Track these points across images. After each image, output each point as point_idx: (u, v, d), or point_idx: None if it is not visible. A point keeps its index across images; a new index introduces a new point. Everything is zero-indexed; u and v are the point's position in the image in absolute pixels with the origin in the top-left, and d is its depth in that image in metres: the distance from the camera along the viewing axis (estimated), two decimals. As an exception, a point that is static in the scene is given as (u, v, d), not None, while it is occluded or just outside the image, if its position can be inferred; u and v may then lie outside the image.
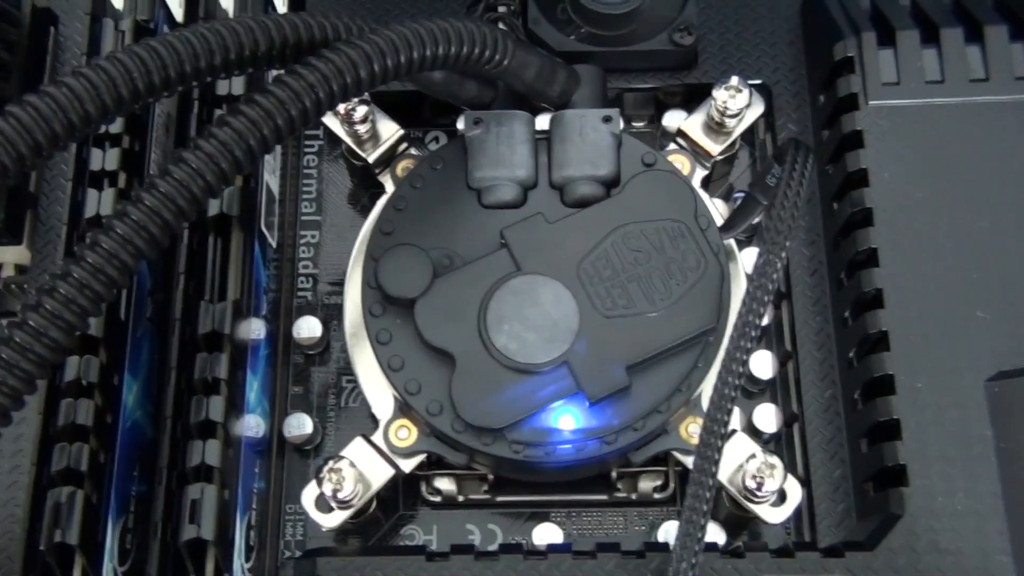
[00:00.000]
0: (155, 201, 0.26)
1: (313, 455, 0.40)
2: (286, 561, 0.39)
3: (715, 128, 0.39)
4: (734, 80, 0.38)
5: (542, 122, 0.38)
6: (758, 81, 0.41)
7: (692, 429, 0.35)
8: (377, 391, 0.37)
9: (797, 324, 0.38)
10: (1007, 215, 0.36)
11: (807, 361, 0.38)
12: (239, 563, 0.35)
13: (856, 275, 0.36)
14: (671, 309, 0.34)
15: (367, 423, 0.39)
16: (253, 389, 0.37)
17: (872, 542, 0.33)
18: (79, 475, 0.32)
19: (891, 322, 0.35)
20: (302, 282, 0.43)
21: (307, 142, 0.45)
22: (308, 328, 0.41)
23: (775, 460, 0.34)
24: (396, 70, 0.29)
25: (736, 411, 0.37)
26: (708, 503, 0.30)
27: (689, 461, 0.35)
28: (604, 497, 0.39)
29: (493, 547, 0.38)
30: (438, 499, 0.39)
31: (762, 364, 0.39)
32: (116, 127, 0.37)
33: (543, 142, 0.37)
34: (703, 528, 0.30)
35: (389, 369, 0.35)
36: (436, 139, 0.45)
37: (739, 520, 0.37)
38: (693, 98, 0.41)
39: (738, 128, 0.39)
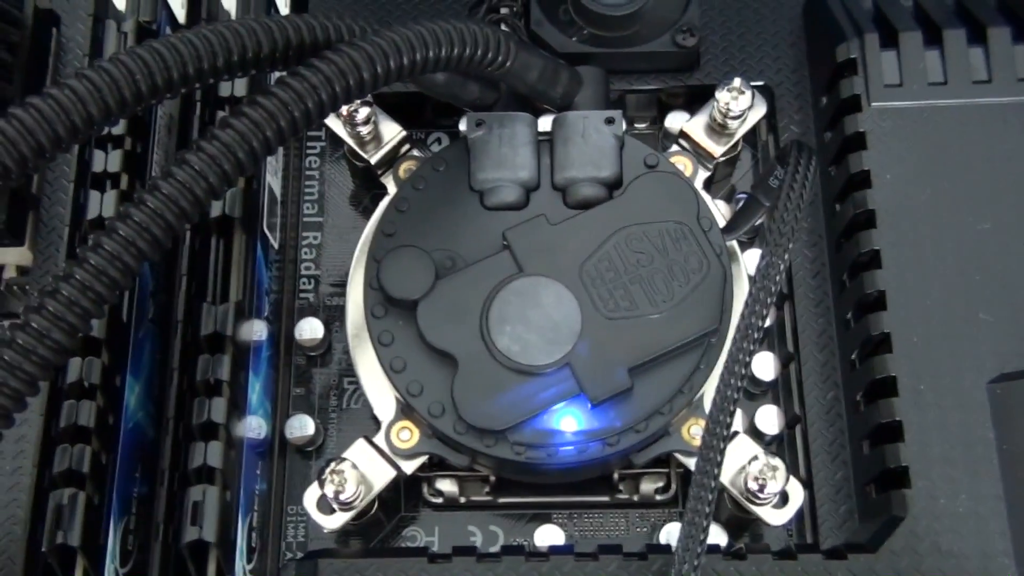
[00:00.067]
0: (158, 203, 0.26)
1: (315, 456, 0.40)
2: (288, 563, 0.39)
3: (717, 129, 0.39)
4: (736, 81, 0.38)
5: (544, 124, 0.38)
6: (760, 83, 0.41)
7: (694, 431, 0.35)
8: (379, 392, 0.37)
9: (799, 326, 0.38)
10: (1010, 217, 0.36)
11: (809, 363, 0.38)
12: (241, 564, 0.35)
13: (858, 277, 0.36)
14: (673, 311, 0.34)
15: (369, 424, 0.39)
16: (255, 390, 0.37)
17: (874, 544, 0.33)
18: (81, 476, 0.32)
19: (893, 324, 0.35)
20: (304, 283, 0.43)
21: (309, 143, 0.45)
22: (310, 329, 0.41)
23: (777, 462, 0.34)
24: (399, 72, 0.29)
25: (738, 413, 0.37)
26: (710, 505, 0.30)
27: (691, 463, 0.35)
28: (606, 499, 0.39)
29: (495, 548, 0.38)
30: (440, 501, 0.39)
31: (764, 366, 0.39)
32: (119, 129, 0.37)
33: (545, 144, 0.37)
34: (705, 530, 0.30)
35: (391, 370, 0.35)
36: (438, 140, 0.45)
37: (741, 522, 0.37)
38: (695, 99, 0.41)
39: (740, 130, 0.39)
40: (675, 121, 0.42)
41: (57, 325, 0.25)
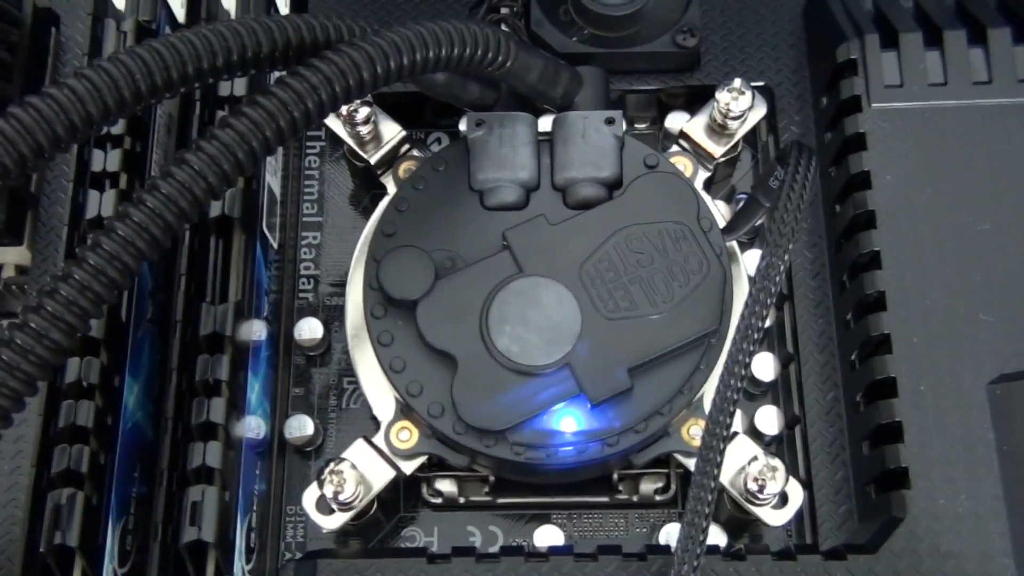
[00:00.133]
0: (157, 203, 0.26)
1: (314, 457, 0.40)
2: (287, 563, 0.38)
3: (717, 130, 0.39)
4: (737, 82, 0.38)
5: (544, 124, 0.38)
6: (761, 83, 0.41)
7: (694, 431, 0.35)
8: (378, 393, 0.37)
9: (799, 326, 0.38)
10: (1010, 218, 0.36)
11: (809, 363, 0.38)
12: (240, 565, 0.35)
13: (858, 277, 0.36)
14: (673, 311, 0.34)
15: (368, 425, 0.39)
16: (254, 390, 0.37)
17: (874, 545, 0.33)
18: (79, 476, 0.32)
19: (893, 325, 0.35)
20: (303, 283, 0.43)
21: (309, 143, 0.45)
22: (309, 329, 0.41)
23: (777, 462, 0.34)
24: (399, 72, 0.29)
25: (738, 413, 0.37)
26: (710, 505, 0.30)
27: (691, 463, 0.35)
28: (605, 499, 0.39)
29: (494, 549, 0.38)
30: (439, 501, 0.39)
31: (764, 366, 0.39)
32: (118, 128, 0.37)
33: (545, 144, 0.37)
34: (705, 530, 0.30)
35: (390, 371, 0.34)
36: (438, 140, 0.45)
37: (741, 522, 0.37)
38: (696, 100, 0.41)
39: (741, 130, 0.39)
40: (675, 121, 0.42)
41: (55, 325, 0.25)
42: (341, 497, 0.34)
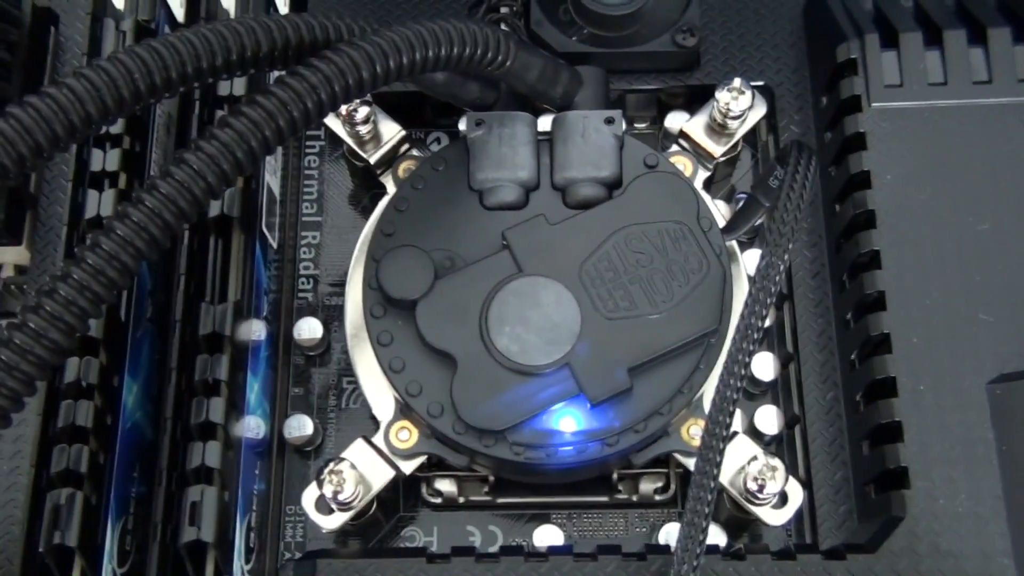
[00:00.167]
0: (156, 202, 0.26)
1: (313, 456, 0.40)
2: (286, 563, 0.38)
3: (717, 130, 0.39)
4: (736, 82, 0.38)
5: (544, 123, 0.38)
6: (761, 83, 0.41)
7: (694, 431, 0.35)
8: (378, 392, 0.37)
9: (799, 326, 0.38)
10: (1010, 218, 0.36)
11: (809, 363, 0.38)
12: (239, 565, 0.35)
13: (858, 277, 0.36)
14: (673, 311, 0.34)
15: (368, 424, 0.39)
16: (253, 390, 0.37)
17: (873, 544, 0.33)
18: (78, 476, 0.32)
19: (893, 324, 0.35)
20: (303, 283, 0.43)
21: (308, 143, 0.45)
22: (309, 329, 0.41)
23: (776, 462, 0.34)
24: (398, 71, 0.29)
25: (738, 413, 0.37)
26: (709, 505, 0.30)
27: (690, 463, 0.35)
28: (605, 499, 0.39)
29: (494, 549, 0.38)
30: (439, 501, 0.39)
31: (764, 366, 0.39)
32: (117, 128, 0.37)
33: (545, 143, 0.37)
34: (704, 530, 0.30)
35: (390, 370, 0.34)
36: (438, 140, 0.45)
37: (740, 522, 0.37)
38: (695, 99, 0.41)
39: (740, 130, 0.39)
40: (675, 121, 0.42)
41: (54, 325, 0.25)
42: (340, 497, 0.34)
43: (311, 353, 0.41)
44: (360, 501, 0.35)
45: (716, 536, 0.37)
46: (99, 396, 0.33)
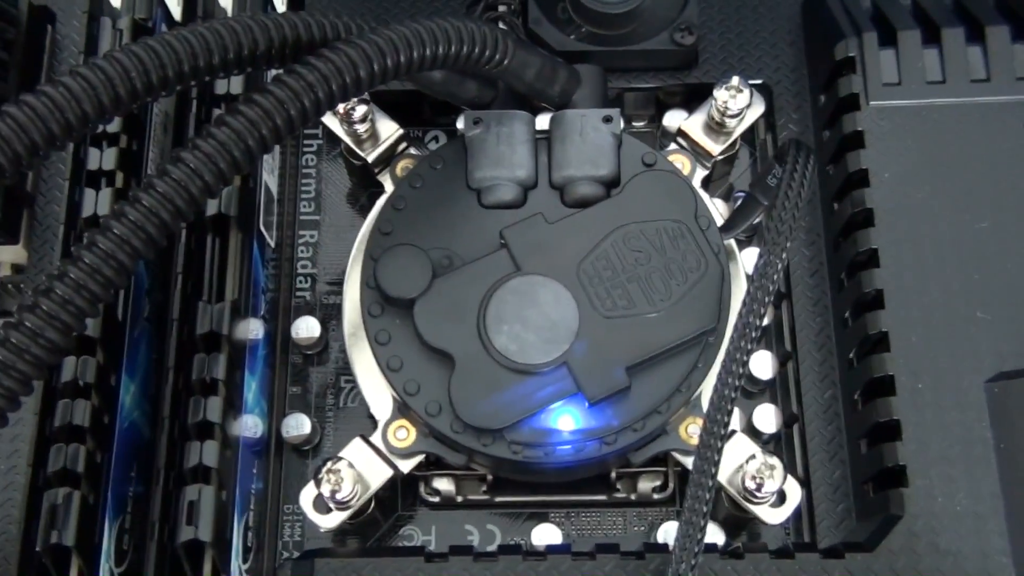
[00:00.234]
0: (153, 201, 0.26)
1: (311, 455, 0.40)
2: (284, 562, 0.38)
3: (716, 128, 0.39)
4: (735, 80, 0.38)
5: (542, 122, 0.38)
6: (759, 81, 0.41)
7: (692, 430, 0.35)
8: (376, 391, 0.36)
9: (797, 324, 0.38)
10: (1008, 216, 0.36)
11: (807, 361, 0.38)
12: (237, 564, 0.35)
13: (856, 276, 0.36)
14: (671, 310, 0.34)
15: (366, 423, 0.39)
16: (251, 389, 0.37)
17: (872, 543, 0.33)
18: (76, 476, 0.32)
19: (891, 323, 0.35)
20: (300, 282, 0.43)
21: (306, 141, 0.45)
22: (306, 328, 0.41)
23: (775, 461, 0.34)
24: (396, 70, 0.29)
25: (736, 411, 0.37)
26: (708, 504, 0.30)
27: (689, 462, 0.35)
28: (603, 498, 0.39)
29: (492, 548, 0.38)
30: (437, 500, 0.39)
31: (762, 364, 0.39)
32: (114, 126, 0.37)
33: (543, 142, 0.37)
34: (703, 529, 0.30)
35: (388, 369, 0.34)
36: (436, 139, 0.45)
37: (738, 521, 0.37)
38: (694, 98, 0.41)
39: (739, 128, 0.39)
40: (673, 119, 0.42)
41: (51, 324, 0.25)
42: (339, 496, 0.34)
43: (309, 352, 0.41)
44: (358, 500, 0.35)
45: (714, 535, 0.37)
46: (96, 395, 0.33)
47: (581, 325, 0.34)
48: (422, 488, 0.39)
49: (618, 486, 0.38)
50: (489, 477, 0.38)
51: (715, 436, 0.30)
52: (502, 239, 0.35)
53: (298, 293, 0.42)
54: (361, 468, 0.35)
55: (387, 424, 0.36)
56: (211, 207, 0.37)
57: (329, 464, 0.34)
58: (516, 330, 0.34)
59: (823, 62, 0.40)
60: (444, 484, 0.38)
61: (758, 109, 0.39)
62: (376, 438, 0.36)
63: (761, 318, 0.31)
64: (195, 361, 0.35)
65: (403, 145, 0.39)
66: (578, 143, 0.37)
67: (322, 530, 0.35)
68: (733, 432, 0.35)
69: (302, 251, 0.43)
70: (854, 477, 0.36)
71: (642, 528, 0.39)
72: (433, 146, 0.44)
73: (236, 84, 0.38)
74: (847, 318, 0.37)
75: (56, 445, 0.33)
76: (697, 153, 0.39)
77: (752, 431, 0.38)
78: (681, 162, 0.39)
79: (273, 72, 0.29)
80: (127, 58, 0.26)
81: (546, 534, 0.38)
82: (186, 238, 0.37)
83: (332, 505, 0.35)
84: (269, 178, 0.41)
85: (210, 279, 0.36)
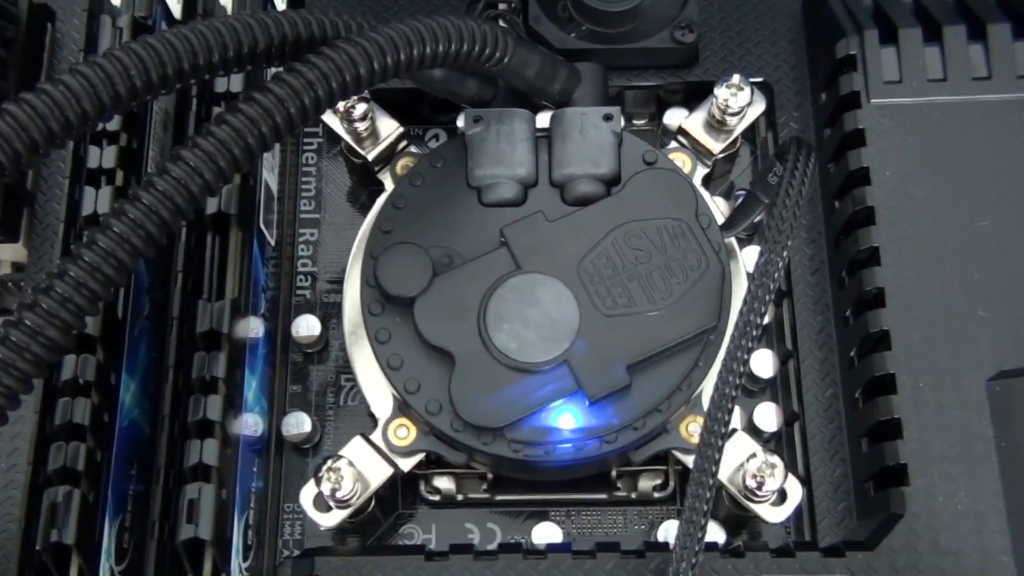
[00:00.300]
0: (153, 199, 0.26)
1: (311, 454, 0.40)
2: (284, 561, 0.38)
3: (716, 126, 0.39)
4: (735, 78, 0.38)
5: (543, 120, 0.38)
6: (760, 79, 0.41)
7: (692, 428, 0.35)
8: (376, 390, 0.36)
9: (798, 323, 0.38)
10: (1009, 214, 0.36)
11: (808, 360, 0.38)
12: (237, 563, 0.35)
13: (857, 274, 0.36)
14: (672, 308, 0.34)
15: (366, 422, 0.39)
16: (251, 388, 0.37)
17: (873, 542, 0.33)
18: (76, 474, 0.32)
19: (892, 321, 0.35)
20: (301, 280, 0.42)
21: (306, 140, 0.45)
22: (307, 326, 0.40)
23: (775, 459, 0.34)
24: (396, 68, 0.29)
25: (737, 410, 0.37)
26: (708, 502, 0.30)
27: (689, 460, 0.35)
28: (604, 496, 0.39)
29: (492, 546, 0.38)
30: (437, 498, 0.39)
31: (763, 363, 0.39)
32: (114, 125, 0.37)
33: (543, 140, 0.37)
34: (703, 527, 0.30)
35: (388, 368, 0.34)
36: (436, 137, 0.45)
37: (739, 519, 0.37)
38: (694, 96, 0.41)
39: (739, 126, 0.39)
40: (674, 117, 0.42)
41: (51, 322, 0.25)
42: (339, 494, 0.34)
43: (309, 350, 0.41)
44: (358, 499, 0.35)
45: (715, 533, 0.37)
46: (96, 394, 0.33)
47: (581, 323, 0.34)
48: (422, 486, 0.39)
49: (619, 485, 0.38)
50: (489, 476, 0.38)
51: (716, 435, 0.30)
52: (502, 237, 0.35)
53: (298, 291, 0.42)
54: (361, 466, 0.35)
55: (387, 422, 0.36)
56: (211, 205, 0.37)
57: (329, 462, 0.34)
58: (516, 328, 0.34)
59: (824, 60, 0.40)
60: (444, 483, 0.38)
61: (759, 107, 0.39)
62: (376, 436, 0.36)
63: (762, 316, 0.31)
64: (195, 359, 0.35)
65: (403, 143, 0.39)
66: (578, 141, 0.37)
67: (322, 528, 0.35)
68: (734, 431, 0.35)
69: (302, 249, 0.43)
70: (855, 476, 0.36)
71: (643, 527, 0.39)
72: (433, 144, 0.44)
73: (236, 82, 0.38)
74: (848, 316, 0.37)
75: (56, 443, 0.33)
76: (698, 151, 0.39)
77: (753, 430, 0.38)
78: (682, 160, 0.39)
79: (273, 70, 0.29)
80: (127, 56, 0.26)
81: (546, 533, 0.38)
82: (186, 236, 0.37)
83: (332, 503, 0.35)
84: (269, 176, 0.41)
85: (210, 277, 0.36)
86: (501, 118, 0.37)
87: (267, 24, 0.28)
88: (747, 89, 0.38)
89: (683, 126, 0.39)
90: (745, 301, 0.31)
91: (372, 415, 0.37)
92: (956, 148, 0.37)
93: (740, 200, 0.37)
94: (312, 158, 0.45)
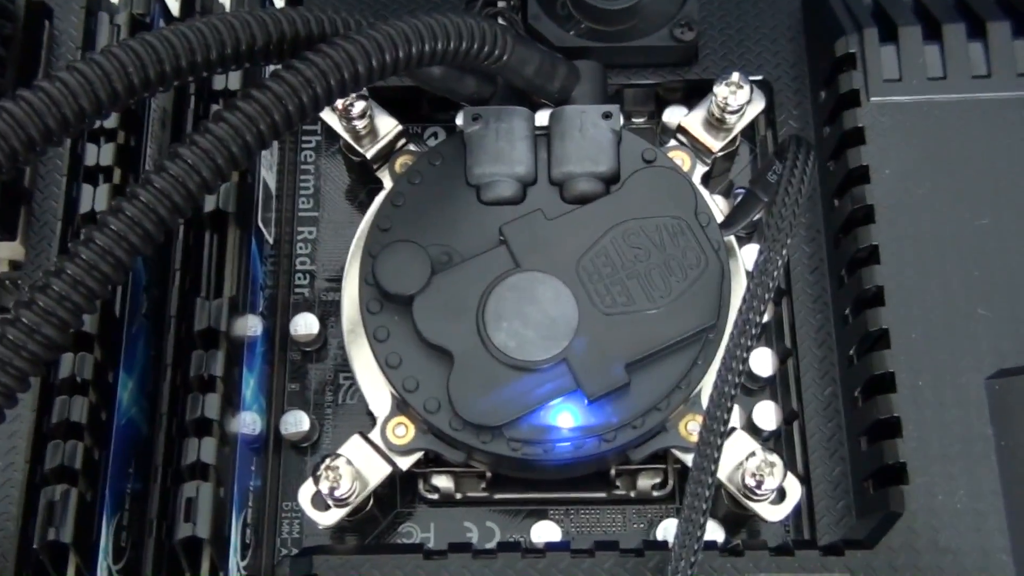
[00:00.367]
0: (150, 197, 0.26)
1: (310, 452, 0.40)
2: (282, 559, 0.38)
3: (716, 124, 0.39)
4: (735, 76, 0.38)
5: (542, 118, 0.38)
6: (759, 77, 0.41)
7: (691, 427, 0.35)
8: (374, 388, 0.36)
9: (797, 321, 0.38)
10: (1009, 212, 0.36)
11: (807, 358, 0.38)
12: (235, 561, 0.35)
13: (857, 272, 0.36)
14: (671, 306, 0.34)
15: (364, 420, 0.39)
16: (249, 386, 0.37)
17: (872, 540, 0.33)
18: (73, 473, 0.32)
19: (892, 320, 0.35)
20: (299, 278, 0.42)
21: (305, 137, 0.45)
22: (305, 325, 0.40)
23: (775, 458, 0.34)
24: (394, 66, 0.29)
25: (736, 409, 0.37)
26: (707, 501, 0.30)
27: (688, 459, 0.35)
28: (603, 495, 0.39)
29: (491, 545, 0.38)
30: (436, 497, 0.39)
31: (762, 361, 0.39)
32: (111, 122, 0.37)
33: (542, 138, 0.37)
34: (702, 526, 0.30)
35: (387, 366, 0.34)
36: (435, 135, 0.44)
37: (738, 518, 0.37)
38: (694, 94, 0.41)
39: (739, 124, 0.39)
40: (673, 116, 0.42)
41: (48, 320, 0.25)
42: (337, 493, 0.34)
43: (307, 349, 0.41)
44: (357, 497, 0.35)
45: (714, 532, 0.37)
46: (94, 392, 0.33)
47: (580, 322, 0.34)
48: (421, 485, 0.39)
49: (617, 483, 0.38)
50: (488, 474, 0.38)
51: (715, 433, 0.30)
52: (501, 235, 0.35)
53: (296, 289, 0.42)
54: (360, 465, 0.35)
55: (386, 421, 0.36)
56: (209, 203, 0.37)
57: (328, 461, 0.34)
58: (515, 327, 0.34)
59: (824, 58, 0.40)
60: (443, 481, 0.38)
61: (758, 105, 0.39)
62: (375, 435, 0.35)
63: (761, 315, 0.31)
64: (193, 358, 0.35)
65: (402, 141, 0.39)
66: (578, 139, 0.37)
67: (320, 527, 0.35)
68: (733, 429, 0.35)
69: (301, 247, 0.43)
70: (854, 474, 0.36)
71: (641, 525, 0.39)
72: (432, 142, 0.44)
73: (234, 80, 0.38)
74: (847, 315, 0.37)
75: (53, 442, 0.32)
76: (697, 149, 0.39)
77: (752, 428, 0.38)
78: (681, 158, 0.39)
79: (271, 68, 0.29)
80: (124, 54, 0.26)
81: (545, 531, 0.38)
82: (184, 234, 0.37)
83: (331, 502, 0.35)
84: (267, 174, 0.40)
85: (208, 275, 0.36)
86: (500, 116, 0.37)
87: (265, 21, 0.28)
88: (746, 87, 0.38)
89: (682, 124, 0.39)
90: (744, 299, 0.31)
91: (371, 413, 0.36)
92: (956, 146, 0.37)
93: (739, 198, 0.37)
94: (311, 156, 0.44)
